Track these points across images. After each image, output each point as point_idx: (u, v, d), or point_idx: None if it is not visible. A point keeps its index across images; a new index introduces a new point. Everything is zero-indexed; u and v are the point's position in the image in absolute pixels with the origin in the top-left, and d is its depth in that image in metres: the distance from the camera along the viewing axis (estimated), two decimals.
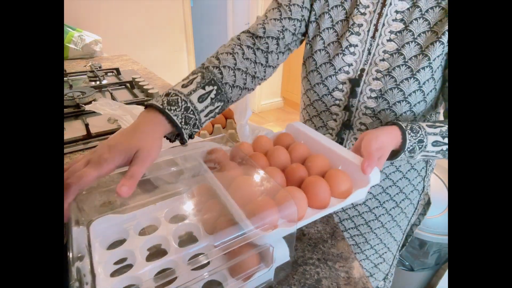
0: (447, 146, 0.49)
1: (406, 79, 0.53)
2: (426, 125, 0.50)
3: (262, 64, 0.56)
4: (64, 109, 0.99)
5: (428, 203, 0.75)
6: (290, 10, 0.57)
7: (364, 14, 0.55)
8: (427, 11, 0.51)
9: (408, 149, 0.48)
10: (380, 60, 0.54)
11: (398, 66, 0.53)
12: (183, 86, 0.46)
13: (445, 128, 0.49)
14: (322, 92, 0.61)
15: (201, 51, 4.28)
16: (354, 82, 0.57)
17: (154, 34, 2.55)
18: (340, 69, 0.57)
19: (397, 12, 0.53)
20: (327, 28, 0.59)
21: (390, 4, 0.53)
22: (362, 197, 0.47)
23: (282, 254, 0.40)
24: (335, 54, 0.58)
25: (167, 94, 0.45)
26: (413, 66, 0.52)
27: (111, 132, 0.85)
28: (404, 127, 0.48)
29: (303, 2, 0.58)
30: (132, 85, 1.27)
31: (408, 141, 0.48)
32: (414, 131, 0.48)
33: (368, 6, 0.55)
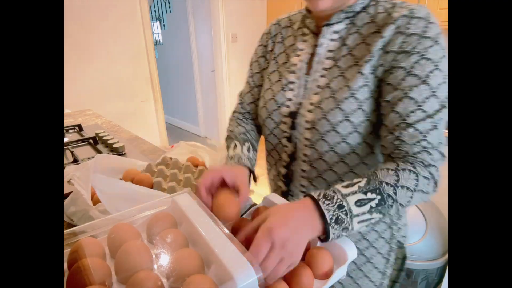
0: (375, 201, 0.43)
1: (332, 109, 0.55)
2: (342, 186, 0.44)
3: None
4: None
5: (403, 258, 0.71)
6: (254, 81, 0.74)
7: (298, 55, 0.63)
8: (354, 47, 0.56)
9: (333, 220, 0.41)
10: (314, 94, 0.59)
11: (326, 98, 0.57)
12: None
13: (363, 182, 0.44)
14: (271, 126, 0.66)
15: (169, 99, 4.31)
16: (293, 115, 0.61)
17: (120, 87, 2.54)
18: (282, 104, 0.63)
19: (329, 51, 0.59)
20: (273, 71, 0.68)
21: (322, 44, 0.60)
22: (344, 274, 0.47)
23: None
24: (277, 91, 0.65)
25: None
26: (338, 96, 0.55)
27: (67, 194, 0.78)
28: (316, 197, 0.43)
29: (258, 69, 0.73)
30: (95, 140, 1.22)
31: (326, 211, 0.40)
32: (328, 197, 0.42)
33: (303, 49, 0.63)
